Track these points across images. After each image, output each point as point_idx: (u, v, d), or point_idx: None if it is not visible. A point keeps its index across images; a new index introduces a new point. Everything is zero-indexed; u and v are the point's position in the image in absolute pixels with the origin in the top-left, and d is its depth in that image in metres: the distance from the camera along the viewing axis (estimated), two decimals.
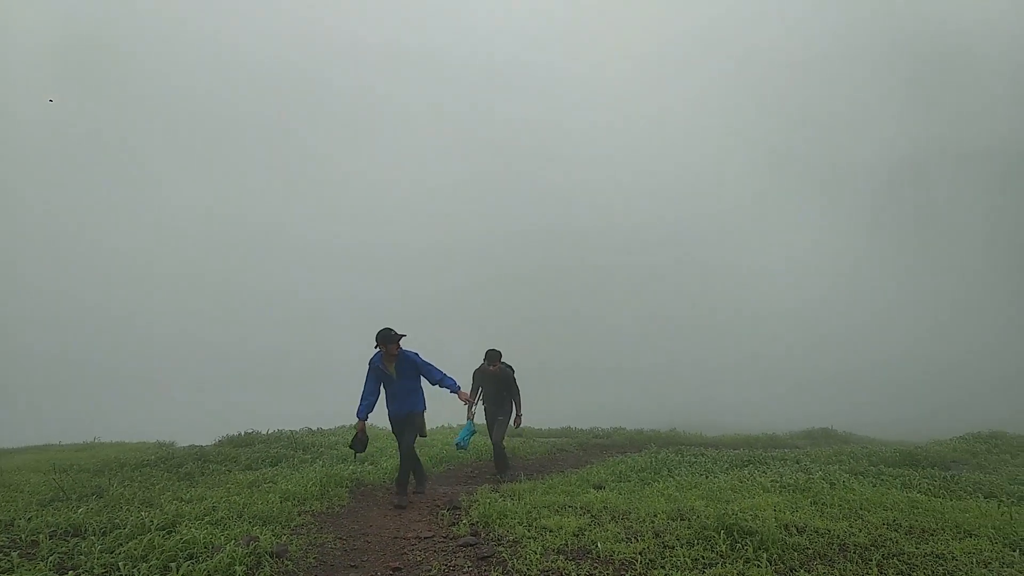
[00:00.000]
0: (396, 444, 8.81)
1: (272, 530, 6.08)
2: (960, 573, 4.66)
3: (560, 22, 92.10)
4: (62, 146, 71.69)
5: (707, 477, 8.56)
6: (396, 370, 7.99)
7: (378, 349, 7.99)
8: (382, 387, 8.08)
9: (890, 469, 9.45)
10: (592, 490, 8.00)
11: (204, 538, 5.45)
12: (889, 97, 62.51)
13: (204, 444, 12.85)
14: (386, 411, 8.18)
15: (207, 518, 6.25)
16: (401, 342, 8.02)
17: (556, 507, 6.76)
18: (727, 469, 9.40)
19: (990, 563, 4.83)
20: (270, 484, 8.33)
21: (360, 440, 8.21)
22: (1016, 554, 5.03)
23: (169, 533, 5.69)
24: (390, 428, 8.47)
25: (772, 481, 7.86)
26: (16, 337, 51.69)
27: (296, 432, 13.38)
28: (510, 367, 10.11)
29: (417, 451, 8.56)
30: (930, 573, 4.69)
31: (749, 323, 52.66)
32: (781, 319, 51.26)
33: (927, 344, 42.55)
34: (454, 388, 8.08)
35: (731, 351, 48.84)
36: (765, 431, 17.87)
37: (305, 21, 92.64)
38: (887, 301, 49.97)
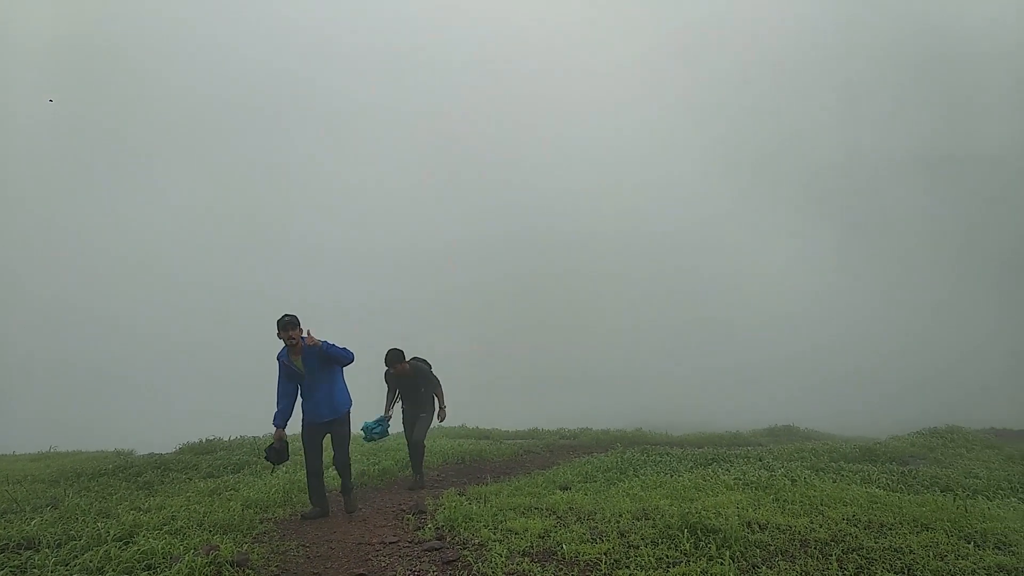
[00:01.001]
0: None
1: (233, 538, 5.97)
2: (917, 566, 4.75)
3: (545, 27, 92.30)
4: (62, 146, 71.11)
5: (672, 476, 8.63)
6: (303, 364, 7.05)
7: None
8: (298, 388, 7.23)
9: (850, 465, 9.64)
10: (558, 491, 8.00)
11: (163, 548, 5.33)
12: (874, 101, 63.59)
13: (164, 452, 12.61)
14: (308, 413, 7.26)
15: (166, 528, 6.13)
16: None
17: (522, 509, 6.76)
18: (691, 468, 9.48)
19: (946, 556, 4.93)
20: (232, 492, 8.21)
21: (276, 450, 7.11)
22: (971, 546, 5.14)
23: (126, 544, 5.57)
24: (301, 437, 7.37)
25: (735, 479, 7.95)
26: (12, 338, 50.95)
27: (259, 438, 13.17)
28: (425, 362, 9.55)
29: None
30: (888, 567, 4.77)
31: (732, 327, 53.19)
32: (765, 323, 52.04)
33: (907, 348, 43.50)
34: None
35: (713, 355, 49.18)
36: (729, 429, 18.08)
37: (302, 23, 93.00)
38: (871, 305, 50.79)
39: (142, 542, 5.49)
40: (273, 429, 7.14)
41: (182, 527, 6.19)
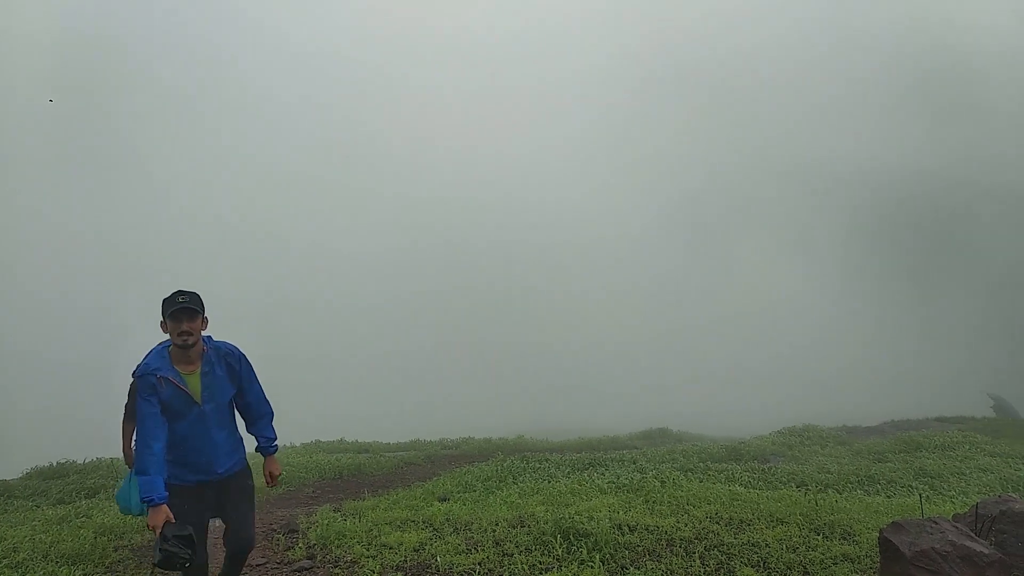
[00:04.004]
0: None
1: (82, 570, 5.55)
2: (772, 559, 5.03)
3: (514, 42, 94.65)
4: (62, 146, 71.57)
5: (549, 482, 8.76)
6: (202, 383, 3.98)
7: (160, 345, 4.04)
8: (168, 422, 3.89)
9: (716, 464, 10.14)
10: (436, 503, 7.95)
11: None
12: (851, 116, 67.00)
13: (9, 478, 11.58)
14: (176, 470, 3.96)
15: (5, 561, 5.62)
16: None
17: (398, 523, 6.64)
18: (569, 473, 9.67)
19: (798, 548, 5.25)
20: (84, 518, 7.62)
21: (174, 546, 3.55)
22: (820, 538, 5.50)
23: None
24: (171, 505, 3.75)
25: (609, 482, 8.17)
26: (11, 339, 48.52)
27: (117, 459, 12.34)
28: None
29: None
30: (746, 561, 5.03)
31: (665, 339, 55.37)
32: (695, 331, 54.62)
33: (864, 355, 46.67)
34: (269, 447, 4.43)
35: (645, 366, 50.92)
36: (607, 434, 18.58)
37: (286, 34, 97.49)
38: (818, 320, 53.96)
39: None
40: (149, 503, 3.70)
41: (24, 560, 5.69)
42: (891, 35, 63.98)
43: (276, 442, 4.42)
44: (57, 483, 10.31)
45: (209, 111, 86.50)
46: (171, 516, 3.66)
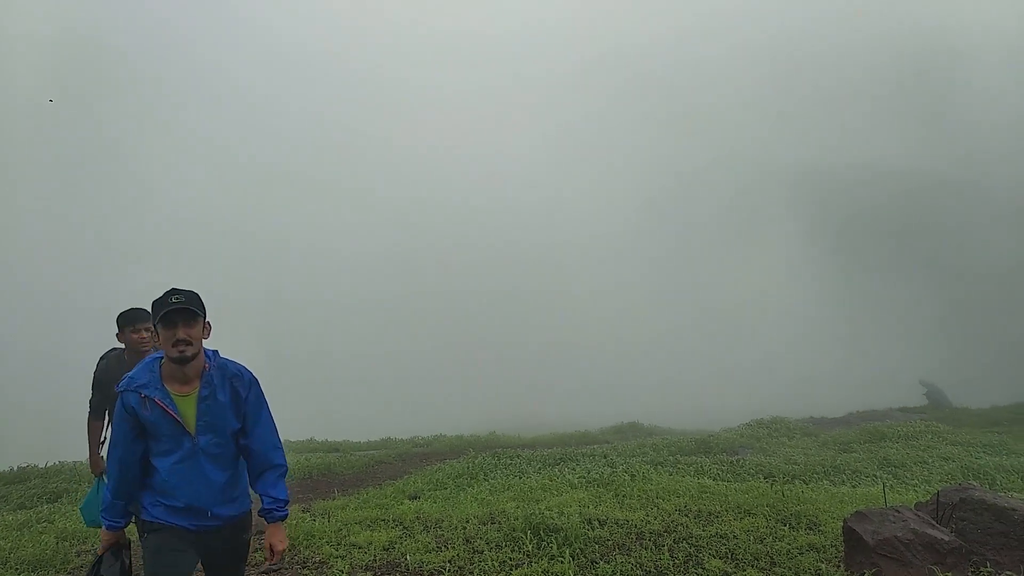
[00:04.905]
0: None
1: None
2: (740, 550, 5.08)
3: (507, 40, 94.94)
4: (62, 146, 71.75)
5: (520, 478, 8.78)
6: (199, 410, 3.09)
7: (152, 356, 3.23)
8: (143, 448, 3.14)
9: (686, 458, 10.23)
10: (407, 501, 7.92)
11: None
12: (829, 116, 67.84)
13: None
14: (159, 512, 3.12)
15: None
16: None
17: (368, 522, 6.59)
18: (540, 469, 9.70)
19: (765, 539, 5.31)
20: (45, 524, 7.45)
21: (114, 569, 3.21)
22: (786, 528, 5.57)
23: None
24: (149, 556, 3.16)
25: (580, 477, 8.20)
26: (10, 339, 48.06)
27: (81, 463, 12.09)
28: None
29: None
30: (714, 552, 5.08)
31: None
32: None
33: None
34: (278, 512, 3.21)
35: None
36: (578, 428, 18.65)
37: (300, 26, 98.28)
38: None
39: None
40: (103, 528, 3.21)
41: None
42: (876, 39, 65.00)
43: (288, 505, 3.32)
44: (18, 488, 10.09)
45: (209, 112, 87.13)
46: (121, 544, 3.22)
